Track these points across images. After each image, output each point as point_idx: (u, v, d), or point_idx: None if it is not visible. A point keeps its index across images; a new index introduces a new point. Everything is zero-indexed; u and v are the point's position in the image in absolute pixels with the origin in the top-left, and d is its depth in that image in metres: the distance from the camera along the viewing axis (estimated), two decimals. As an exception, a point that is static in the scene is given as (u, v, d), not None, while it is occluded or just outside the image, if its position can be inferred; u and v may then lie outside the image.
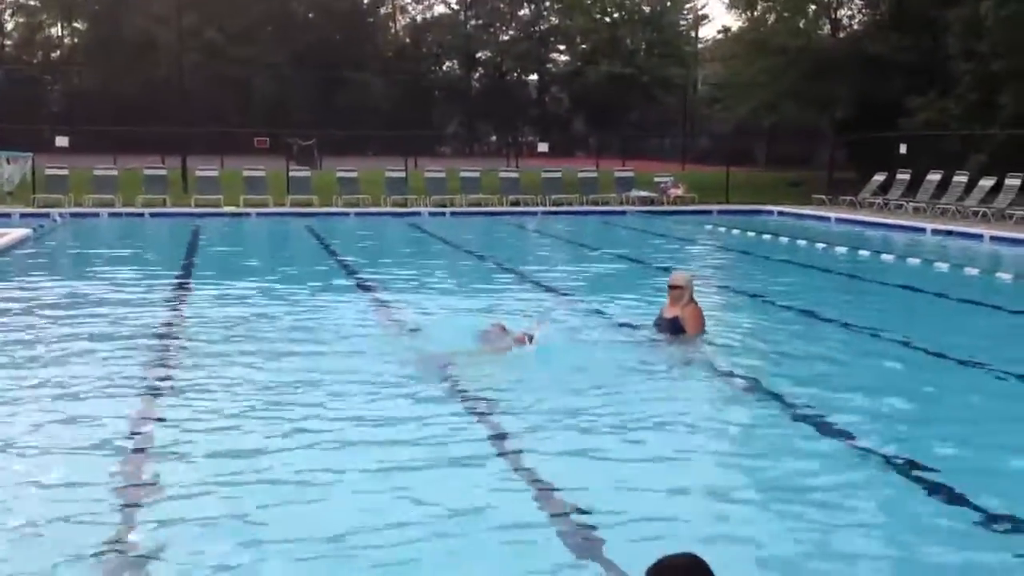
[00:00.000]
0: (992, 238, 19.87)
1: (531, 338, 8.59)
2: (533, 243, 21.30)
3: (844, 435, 6.55)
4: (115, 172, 26.90)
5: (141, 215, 24.09)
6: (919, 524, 5.17)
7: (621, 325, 10.32)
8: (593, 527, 4.98)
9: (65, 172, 25.46)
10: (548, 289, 13.16)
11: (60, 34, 67.97)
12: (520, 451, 6.14)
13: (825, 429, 6.70)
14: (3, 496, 5.30)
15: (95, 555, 4.59)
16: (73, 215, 23.33)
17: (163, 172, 27.46)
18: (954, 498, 5.44)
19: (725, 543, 4.81)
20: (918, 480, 5.72)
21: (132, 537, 4.82)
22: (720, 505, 5.36)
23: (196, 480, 5.56)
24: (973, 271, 15.42)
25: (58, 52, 67.24)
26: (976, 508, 5.28)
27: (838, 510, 5.29)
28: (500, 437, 6.40)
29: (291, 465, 5.82)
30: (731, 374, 8.24)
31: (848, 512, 5.27)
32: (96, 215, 23.60)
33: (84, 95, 60.62)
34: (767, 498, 5.51)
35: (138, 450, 6.14)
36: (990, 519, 5.16)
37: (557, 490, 5.48)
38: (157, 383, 7.71)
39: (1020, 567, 4.70)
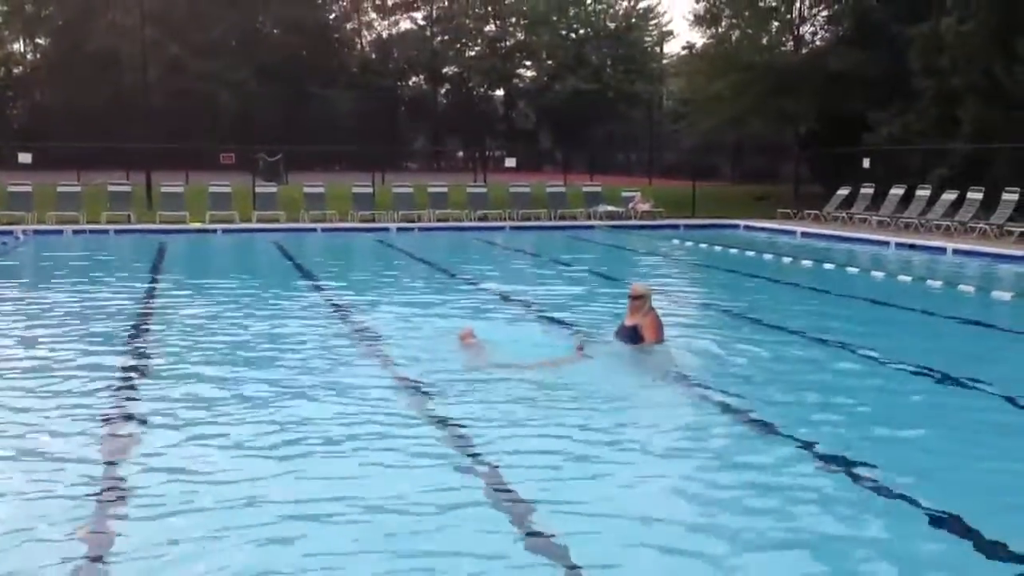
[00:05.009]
0: (954, 251, 20.15)
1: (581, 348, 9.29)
2: (502, 257, 21.30)
3: (796, 441, 6.67)
4: (79, 189, 26.65)
5: (106, 232, 23.85)
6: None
7: (582, 333, 10.46)
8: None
9: (28, 189, 25.20)
10: (518, 303, 13.18)
11: (22, 49, 67.33)
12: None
13: (776, 434, 6.82)
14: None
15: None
16: (36, 232, 23.07)
17: (127, 188, 27.19)
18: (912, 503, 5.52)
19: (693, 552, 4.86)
20: (877, 485, 5.79)
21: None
22: (681, 511, 5.43)
23: (166, 507, 5.53)
24: (936, 283, 15.61)
25: (20, 68, 66.58)
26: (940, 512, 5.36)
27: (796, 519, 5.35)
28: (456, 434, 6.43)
29: (268, 488, 5.79)
30: (693, 384, 8.34)
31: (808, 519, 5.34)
32: (60, 232, 23.34)
33: (47, 111, 60.04)
34: (723, 504, 5.56)
35: (107, 470, 6.09)
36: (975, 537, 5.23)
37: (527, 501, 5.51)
38: (123, 404, 7.62)
39: None
